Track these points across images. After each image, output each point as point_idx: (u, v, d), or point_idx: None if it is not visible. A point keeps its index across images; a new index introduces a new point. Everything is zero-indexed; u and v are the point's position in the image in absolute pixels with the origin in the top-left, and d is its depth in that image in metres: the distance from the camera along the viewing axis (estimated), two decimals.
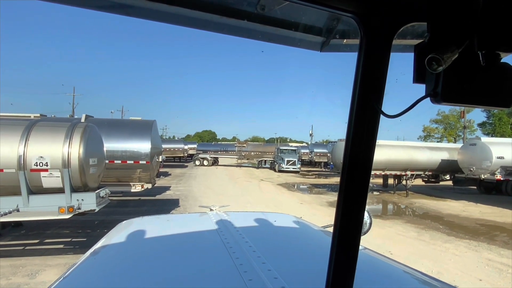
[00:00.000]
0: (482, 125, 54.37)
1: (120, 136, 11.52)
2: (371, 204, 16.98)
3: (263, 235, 2.29)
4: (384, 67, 0.72)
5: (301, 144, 59.52)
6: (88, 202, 7.63)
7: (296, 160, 36.35)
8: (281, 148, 39.02)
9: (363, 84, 0.73)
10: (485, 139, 19.82)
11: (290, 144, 57.59)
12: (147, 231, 2.27)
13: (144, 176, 11.51)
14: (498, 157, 17.35)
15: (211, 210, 2.90)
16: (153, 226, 2.56)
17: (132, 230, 2.35)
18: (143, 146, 11.32)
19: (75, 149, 7.54)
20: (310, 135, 68.25)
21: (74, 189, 7.64)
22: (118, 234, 2.30)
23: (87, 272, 1.67)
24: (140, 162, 11.23)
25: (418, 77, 0.71)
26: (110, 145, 10.77)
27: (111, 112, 57.67)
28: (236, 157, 44.41)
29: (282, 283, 1.31)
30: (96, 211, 7.82)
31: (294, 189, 22.42)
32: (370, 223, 2.50)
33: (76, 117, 14.35)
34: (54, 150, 7.42)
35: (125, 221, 2.68)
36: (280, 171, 35.52)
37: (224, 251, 1.68)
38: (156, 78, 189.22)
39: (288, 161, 35.66)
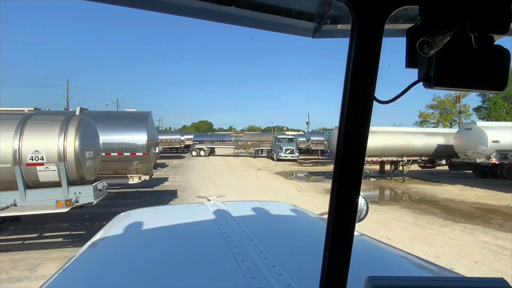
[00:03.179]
0: (477, 109, 54.54)
1: (116, 128, 11.48)
2: (369, 191, 17.09)
3: (260, 223, 2.30)
4: (377, 52, 0.71)
5: (298, 133, 59.54)
6: (86, 195, 7.62)
7: (294, 148, 36.45)
8: (278, 137, 39.06)
9: (355, 70, 0.72)
10: (480, 123, 19.89)
11: (287, 132, 57.64)
12: (145, 222, 2.28)
13: (141, 168, 11.50)
14: (493, 141, 17.44)
15: (208, 200, 2.90)
16: (151, 217, 2.56)
17: (130, 221, 2.35)
18: (139, 137, 11.29)
19: (70, 143, 7.49)
20: (307, 123, 68.32)
21: (71, 183, 7.62)
22: (116, 226, 2.30)
23: (86, 264, 1.67)
24: (137, 154, 11.21)
25: (411, 62, 0.70)
26: (106, 137, 10.74)
27: (106, 104, 57.38)
28: (233, 147, 44.44)
29: (279, 271, 1.32)
30: (94, 203, 7.82)
31: (291, 177, 22.51)
32: (367, 210, 2.51)
33: (71, 110, 14.24)
34: (49, 144, 7.38)
35: (123, 213, 2.69)
36: (278, 160, 35.61)
37: (222, 241, 1.69)
38: (151, 69, 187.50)
39: (286, 150, 35.75)
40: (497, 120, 42.67)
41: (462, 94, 38.15)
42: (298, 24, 0.87)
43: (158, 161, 28.60)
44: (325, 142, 32.61)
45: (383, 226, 9.45)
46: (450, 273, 1.67)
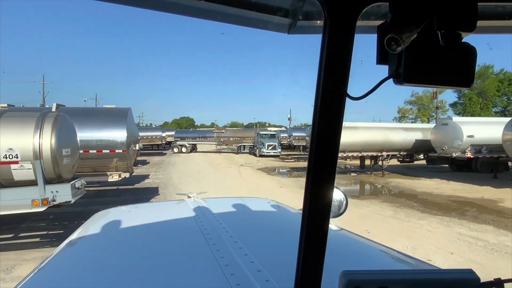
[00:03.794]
0: (453, 105, 56.13)
1: (94, 125, 11.23)
2: (349, 185, 17.36)
3: (240, 220, 2.29)
4: (349, 49, 0.72)
5: (280, 129, 59.74)
6: (63, 193, 7.44)
7: (277, 144, 36.58)
8: (261, 133, 39.12)
9: (328, 66, 0.72)
10: (456, 118, 20.46)
11: (269, 128, 57.75)
12: (124, 221, 2.24)
13: (121, 165, 11.31)
14: (468, 136, 17.97)
15: (188, 197, 2.87)
16: (130, 215, 2.52)
17: (108, 220, 2.31)
18: (118, 134, 11.08)
19: (46, 140, 7.29)
20: (289, 119, 68.62)
21: (47, 181, 7.42)
22: (93, 225, 2.25)
23: (62, 263, 1.63)
24: (116, 151, 11.01)
25: (381, 58, 0.71)
26: (84, 134, 10.50)
27: (84, 100, 56.01)
28: (215, 143, 44.21)
29: (258, 267, 1.32)
30: (72, 202, 7.65)
31: (274, 173, 22.61)
32: (346, 204, 2.54)
33: (47, 106, 13.84)
34: (24, 142, 7.16)
35: (101, 211, 2.63)
36: (261, 155, 35.68)
37: (202, 239, 1.68)
38: (131, 65, 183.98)
39: (269, 146, 35.84)
40: (472, 115, 43.99)
41: (439, 90, 39.10)
42: (273, 19, 0.86)
43: (139, 158, 28.22)
44: (306, 138, 32.85)
45: (364, 220, 9.62)
46: (426, 266, 1.71)
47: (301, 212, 2.46)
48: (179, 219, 2.17)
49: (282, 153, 39.29)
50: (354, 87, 0.76)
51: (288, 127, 59.26)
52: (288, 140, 44.26)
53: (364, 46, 0.72)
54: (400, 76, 0.67)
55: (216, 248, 1.53)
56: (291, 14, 0.86)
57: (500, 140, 16.18)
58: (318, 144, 0.76)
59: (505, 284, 0.85)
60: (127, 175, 11.76)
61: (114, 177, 11.34)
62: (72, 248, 1.88)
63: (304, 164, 29.13)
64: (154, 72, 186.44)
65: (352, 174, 21.26)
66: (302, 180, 18.02)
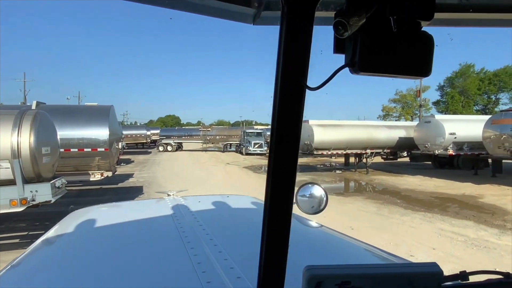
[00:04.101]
0: (436, 103, 57.25)
1: (75, 123, 11.00)
2: (334, 183, 17.51)
3: (219, 217, 2.27)
4: (307, 39, 0.69)
5: (266, 127, 59.85)
6: (43, 193, 7.26)
7: (263, 142, 36.58)
8: (247, 131, 39.08)
9: (286, 58, 0.70)
10: (438, 116, 20.84)
11: (256, 127, 57.78)
12: (99, 220, 2.19)
13: (103, 164, 11.11)
14: (450, 133, 18.33)
15: (168, 195, 2.83)
16: (106, 214, 2.47)
17: (83, 219, 2.25)
18: (100, 132, 10.87)
19: (25, 138, 7.10)
20: None
21: (26, 180, 7.23)
22: (68, 224, 2.19)
23: (33, 263, 1.59)
24: (99, 149, 10.80)
25: (338, 47, 0.69)
26: (65, 132, 10.27)
27: (67, 98, 54.89)
28: (201, 141, 43.98)
29: (231, 264, 1.30)
30: (52, 202, 7.48)
31: (260, 171, 22.61)
32: (326, 201, 2.54)
33: (28, 104, 13.51)
34: (1, 140, 6.95)
35: (77, 210, 2.57)
36: (247, 154, 35.65)
37: (177, 237, 1.65)
38: (115, 63, 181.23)
39: (255, 144, 35.81)
40: (454, 113, 44.91)
41: (422, 88, 39.81)
42: (235, 9, 0.82)
43: (123, 157, 27.85)
44: None
45: (348, 217, 9.72)
46: (400, 261, 1.72)
47: None
48: (156, 218, 2.13)
49: (268, 151, 39.32)
50: (316, 78, 0.74)
51: None
52: None
53: (326, 37, 0.70)
54: (355, 64, 0.65)
55: (191, 246, 1.50)
56: (253, 4, 0.82)
57: (480, 137, 16.57)
58: (279, 138, 0.74)
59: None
60: (109, 174, 11.57)
61: (96, 176, 11.14)
62: (44, 247, 1.84)
63: None
64: (139, 70, 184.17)
65: (337, 171, 21.44)
66: None
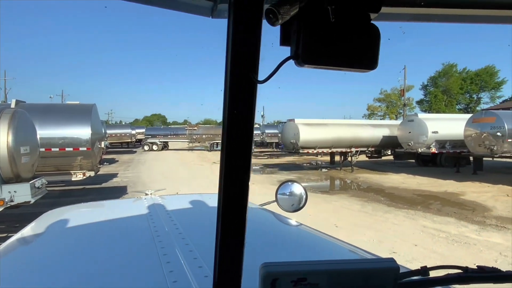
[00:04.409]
0: (420, 102, 58.31)
1: (57, 122, 10.78)
2: (320, 181, 17.62)
3: (195, 217, 2.24)
4: (257, 32, 0.67)
5: (255, 125, 59.82)
6: (22, 193, 7.09)
7: None
8: None
9: (235, 51, 0.67)
10: (421, 115, 21.20)
11: None
12: (73, 220, 2.13)
13: (85, 163, 10.91)
14: (433, 132, 18.67)
15: (146, 194, 2.78)
16: (81, 214, 2.41)
17: (57, 219, 2.19)
18: (82, 131, 10.68)
19: (2, 138, 6.92)
20: (262, 116, 68.89)
21: (4, 181, 7.05)
22: (41, 224, 2.13)
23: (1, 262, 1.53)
24: (80, 149, 10.61)
25: (284, 39, 0.67)
26: (46, 132, 10.06)
27: (50, 97, 53.81)
28: (187, 140, 43.72)
29: (200, 263, 1.28)
30: (31, 202, 7.31)
31: None
32: (306, 198, 2.55)
33: (8, 103, 13.17)
34: None
35: (50, 211, 2.50)
36: None
37: (149, 237, 1.62)
38: (99, 61, 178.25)
39: None
40: (437, 112, 45.83)
41: (406, 87, 40.44)
42: (194, 1, 0.79)
43: (108, 157, 27.49)
44: (279, 135, 33.14)
45: (332, 214, 9.79)
46: (372, 257, 1.72)
47: (261, 207, 2.43)
48: (131, 217, 2.09)
49: (255, 150, 39.40)
50: (269, 71, 0.72)
51: (261, 124, 59.52)
52: (261, 137, 44.42)
53: (277, 29, 0.68)
54: (299, 57, 0.64)
55: (161, 245, 1.48)
56: None
57: (462, 135, 16.93)
58: (231, 134, 0.71)
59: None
60: (92, 173, 11.38)
61: (78, 176, 10.94)
62: (15, 246, 1.79)
63: (277, 161, 29.37)
64: (124, 68, 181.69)
65: (323, 170, 21.59)
66: (275, 177, 18.21)
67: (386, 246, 7.06)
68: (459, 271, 0.86)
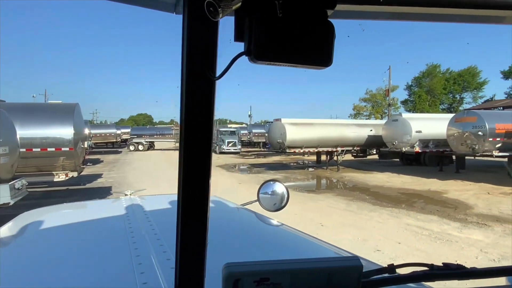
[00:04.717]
0: (404, 102, 59.18)
1: (38, 121, 10.55)
2: (306, 180, 17.70)
3: (172, 217, 2.21)
4: (213, 27, 0.66)
5: (240, 125, 59.87)
6: (1, 195, 6.92)
7: (237, 141, 36.58)
8: (221, 129, 38.94)
9: (190, 49, 0.66)
10: (405, 115, 21.55)
11: (230, 125, 57.69)
12: (50, 221, 2.08)
13: (68, 164, 10.71)
14: (417, 131, 18.97)
15: (125, 195, 2.74)
16: (57, 215, 2.36)
17: (31, 220, 2.14)
18: (65, 131, 10.47)
19: None
20: (249, 115, 68.96)
21: None
22: (15, 226, 2.07)
23: None
24: (63, 149, 10.40)
25: (238, 35, 0.66)
26: (27, 131, 9.84)
27: (33, 96, 52.65)
28: (173, 140, 43.41)
29: (173, 264, 1.25)
30: (11, 204, 7.13)
31: (233, 170, 22.57)
32: (288, 198, 2.55)
33: None
34: None
35: (26, 212, 2.43)
36: (221, 152, 35.51)
37: (123, 238, 1.58)
38: (84, 60, 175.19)
39: (229, 143, 35.75)
40: (421, 112, 46.56)
41: (391, 88, 41.02)
42: None
43: (92, 157, 27.07)
44: (266, 135, 33.22)
45: (318, 213, 9.84)
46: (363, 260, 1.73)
47: (243, 207, 2.41)
48: (108, 218, 2.05)
49: (242, 149, 39.39)
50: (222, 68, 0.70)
51: (248, 124, 59.53)
52: (248, 136, 44.44)
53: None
54: (251, 53, 0.62)
55: (135, 246, 1.45)
56: None
57: (445, 135, 17.25)
58: (189, 134, 0.70)
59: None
60: (75, 174, 11.18)
61: (60, 177, 10.73)
62: None
63: (264, 160, 29.39)
64: (109, 67, 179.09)
65: (309, 169, 21.71)
66: (262, 177, 18.20)
67: (370, 244, 7.13)
68: (426, 268, 0.86)
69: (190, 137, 0.70)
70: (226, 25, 0.66)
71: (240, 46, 0.64)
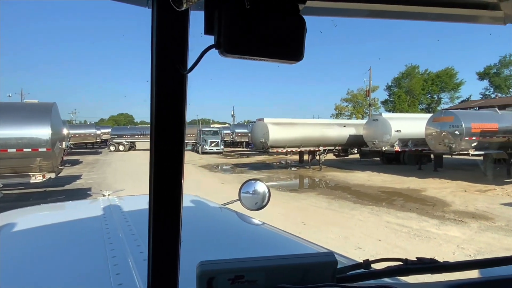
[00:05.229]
0: (384, 102, 60.32)
1: (13, 121, 10.22)
2: (289, 180, 17.80)
3: None
4: (184, 21, 0.65)
5: (223, 125, 59.67)
6: None
7: (219, 141, 36.42)
8: (203, 129, 38.71)
9: (160, 43, 0.65)
10: (385, 115, 21.97)
11: (213, 125, 57.44)
12: (24, 223, 2.02)
13: (45, 165, 10.41)
14: (396, 131, 19.35)
15: (103, 195, 2.68)
16: (34, 216, 2.29)
17: (5, 223, 2.06)
18: (42, 131, 10.17)
19: None
20: (232, 115, 68.81)
21: None
22: None
23: None
24: (40, 149, 10.10)
25: (208, 28, 0.65)
26: (2, 132, 9.61)
27: (8, 95, 51.07)
28: None
29: (146, 255, 1.24)
30: None
31: (216, 170, 22.48)
32: (269, 197, 2.55)
33: None
34: None
35: (1, 214, 2.35)
36: (203, 152, 35.30)
37: (100, 239, 1.55)
38: (63, 58, 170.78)
39: (211, 143, 35.57)
40: (401, 112, 47.54)
41: (371, 88, 41.73)
42: None
43: (71, 158, 26.45)
44: (249, 134, 33.21)
45: (300, 213, 9.91)
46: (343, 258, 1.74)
47: (224, 206, 2.40)
48: (84, 219, 2.00)
49: (225, 149, 39.26)
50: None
51: (231, 123, 59.39)
52: (231, 136, 44.34)
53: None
54: (221, 46, 0.62)
55: (112, 247, 1.42)
56: None
57: (423, 134, 17.65)
58: (160, 130, 0.68)
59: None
60: (52, 175, 10.88)
61: (37, 178, 10.42)
62: None
63: (247, 160, 29.39)
64: (88, 66, 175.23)
65: (292, 168, 21.85)
66: (244, 176, 18.21)
67: (351, 242, 7.23)
68: (400, 263, 0.87)
69: (162, 133, 0.68)
70: (199, 19, 0.65)
71: (213, 40, 0.64)
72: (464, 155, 17.02)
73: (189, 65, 0.65)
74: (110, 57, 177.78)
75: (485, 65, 55.95)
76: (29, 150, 10.07)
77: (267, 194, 2.51)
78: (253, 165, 24.42)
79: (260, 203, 2.43)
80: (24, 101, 12.49)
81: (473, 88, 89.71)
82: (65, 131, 12.76)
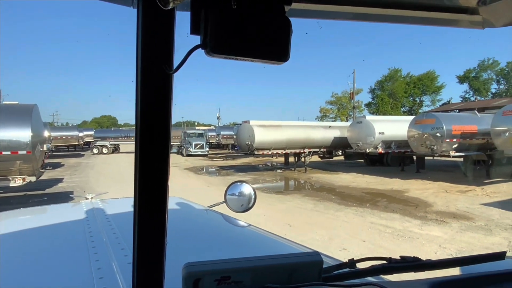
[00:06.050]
0: (368, 105, 61.21)
1: None
2: (275, 182, 17.84)
3: None
4: (169, 21, 0.65)
5: (209, 127, 59.41)
6: None
7: (204, 143, 36.20)
8: (188, 132, 38.43)
9: (146, 43, 0.64)
10: (369, 117, 22.26)
11: (198, 127, 57.09)
12: (3, 228, 1.95)
13: (25, 168, 10.13)
14: (380, 133, 19.63)
15: (86, 198, 2.63)
16: (14, 221, 2.22)
17: None
18: (22, 134, 9.89)
19: None
20: (218, 117, 68.63)
21: None
22: None
23: None
24: (20, 152, 9.83)
25: (194, 28, 0.65)
26: None
27: None
28: None
29: (130, 259, 1.22)
30: None
31: (201, 172, 22.35)
32: (255, 199, 2.55)
33: None
34: None
35: None
36: (188, 155, 35.03)
37: (82, 242, 1.52)
38: (43, 59, 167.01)
39: (196, 145, 35.32)
40: (384, 114, 48.32)
41: (355, 91, 42.29)
42: None
43: (52, 161, 25.85)
44: (234, 137, 33.16)
45: (286, 214, 9.94)
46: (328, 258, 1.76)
47: (209, 209, 2.38)
48: (66, 223, 1.96)
49: (211, 152, 39.08)
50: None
51: (216, 126, 59.18)
52: (217, 138, 44.17)
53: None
54: (207, 46, 0.62)
55: (94, 251, 1.39)
56: None
57: (406, 136, 17.98)
58: (145, 131, 0.68)
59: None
60: (33, 179, 10.60)
61: (17, 182, 10.13)
62: None
63: (232, 162, 29.32)
64: (69, 67, 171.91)
65: (278, 170, 21.92)
66: (230, 179, 18.15)
67: (336, 243, 7.29)
68: (384, 262, 0.89)
69: (147, 134, 0.68)
70: (185, 19, 0.65)
71: (199, 40, 0.64)
72: (445, 156, 17.41)
73: (175, 65, 0.65)
74: (94, 57, 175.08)
75: (465, 69, 57.58)
76: (9, 153, 9.78)
77: (253, 196, 2.51)
78: (238, 167, 24.40)
79: (246, 205, 2.43)
80: (4, 102, 12.14)
81: (453, 91, 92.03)
82: (46, 134, 12.44)
